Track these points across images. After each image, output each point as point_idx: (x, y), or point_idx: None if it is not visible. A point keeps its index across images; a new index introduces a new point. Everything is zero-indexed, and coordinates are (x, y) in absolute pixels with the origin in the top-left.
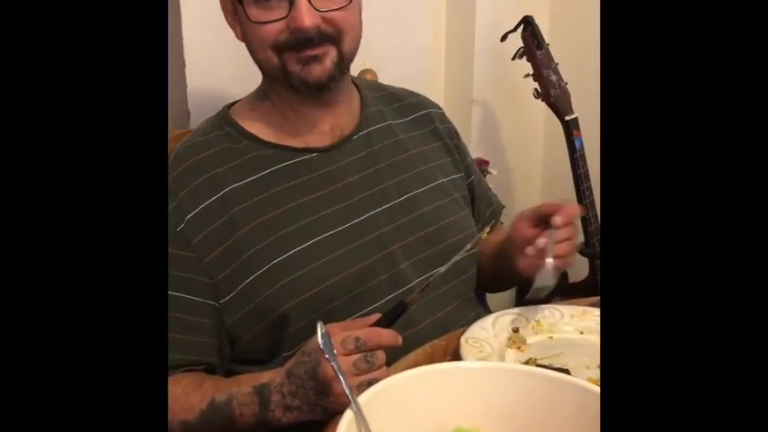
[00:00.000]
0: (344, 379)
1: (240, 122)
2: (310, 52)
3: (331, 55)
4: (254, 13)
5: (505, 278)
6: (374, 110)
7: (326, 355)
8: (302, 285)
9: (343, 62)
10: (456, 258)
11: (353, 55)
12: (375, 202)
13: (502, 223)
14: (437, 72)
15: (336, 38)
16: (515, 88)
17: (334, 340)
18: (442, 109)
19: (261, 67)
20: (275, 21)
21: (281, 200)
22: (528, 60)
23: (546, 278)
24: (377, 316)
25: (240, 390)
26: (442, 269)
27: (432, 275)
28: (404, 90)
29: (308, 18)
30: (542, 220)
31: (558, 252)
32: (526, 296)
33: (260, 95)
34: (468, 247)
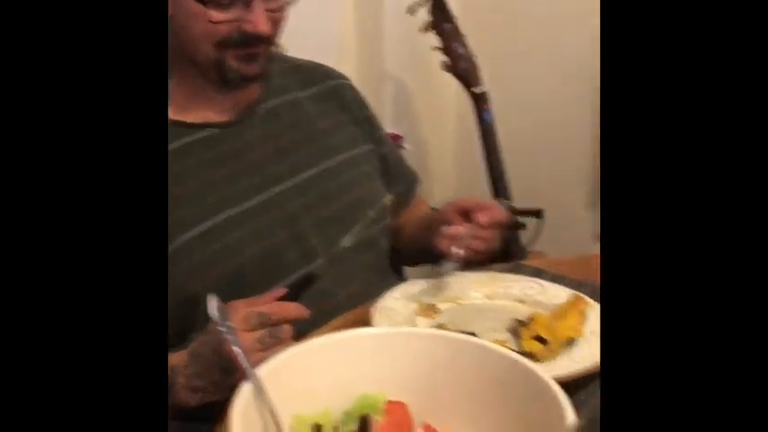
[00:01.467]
0: (240, 350)
1: None
2: (252, 50)
3: (265, 51)
4: (208, 10)
5: (426, 253)
6: (278, 82)
7: (219, 327)
8: (209, 265)
9: (270, 54)
10: (359, 227)
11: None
12: (283, 178)
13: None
14: (348, 46)
15: (271, 37)
16: (427, 61)
17: (237, 317)
18: (349, 80)
19: (189, 57)
20: (230, 21)
21: (182, 178)
22: (436, 33)
23: (449, 265)
24: (282, 290)
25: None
26: (347, 240)
27: (337, 246)
28: (310, 62)
29: (263, 24)
30: (469, 212)
31: (471, 246)
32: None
33: None
34: (372, 214)
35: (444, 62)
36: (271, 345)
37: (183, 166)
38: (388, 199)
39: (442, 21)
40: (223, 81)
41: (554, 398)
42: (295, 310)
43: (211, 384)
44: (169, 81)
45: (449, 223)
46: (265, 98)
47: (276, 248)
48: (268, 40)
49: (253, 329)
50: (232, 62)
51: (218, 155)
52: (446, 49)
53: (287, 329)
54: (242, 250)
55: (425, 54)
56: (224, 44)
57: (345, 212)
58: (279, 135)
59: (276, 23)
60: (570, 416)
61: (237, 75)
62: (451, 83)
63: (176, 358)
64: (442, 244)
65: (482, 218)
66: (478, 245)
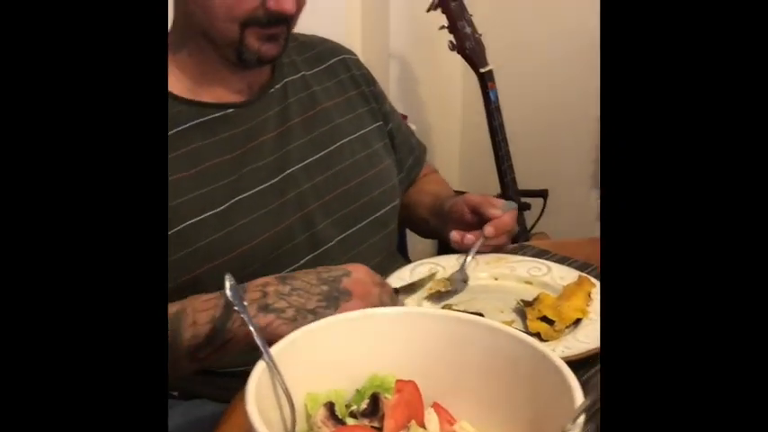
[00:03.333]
0: (255, 330)
1: None
2: (273, 31)
3: (284, 34)
4: None
5: (435, 233)
6: (287, 61)
7: (236, 308)
8: (217, 250)
9: (289, 38)
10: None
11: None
12: (291, 160)
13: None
14: (353, 27)
15: (293, 18)
16: (432, 41)
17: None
18: (355, 55)
19: (207, 33)
20: None
21: (195, 159)
22: (443, 12)
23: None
24: None
25: (198, 298)
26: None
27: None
28: (314, 37)
29: (290, 3)
30: (479, 213)
31: (482, 251)
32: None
33: (171, 45)
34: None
35: (451, 41)
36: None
37: (197, 146)
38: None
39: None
40: (239, 60)
41: (564, 378)
42: None
43: (298, 312)
44: (184, 58)
45: (460, 220)
46: (277, 78)
47: (284, 234)
48: (290, 20)
49: None
50: (253, 42)
51: (231, 135)
52: (452, 28)
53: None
54: (250, 237)
55: (431, 34)
56: (247, 22)
57: (354, 195)
58: (289, 116)
59: (300, 4)
60: (579, 396)
61: (256, 55)
62: (457, 62)
63: (254, 282)
64: (455, 241)
65: (490, 231)
66: (488, 249)
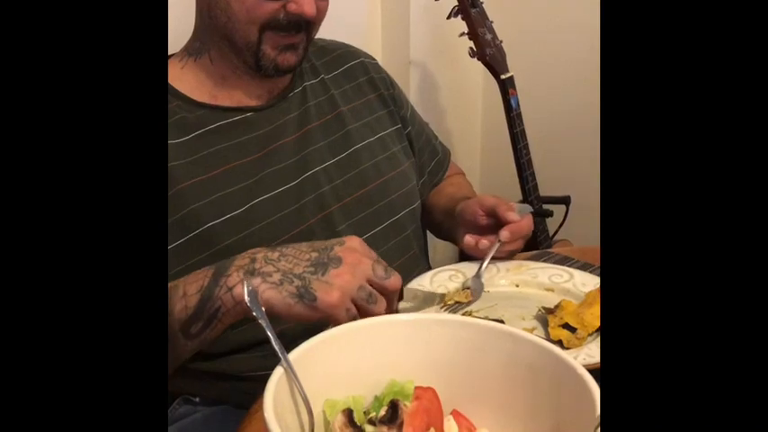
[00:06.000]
0: (273, 336)
1: (170, 81)
2: (291, 40)
3: (303, 43)
4: None
5: (449, 236)
6: (307, 65)
7: (254, 312)
8: (237, 252)
9: (308, 47)
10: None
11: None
12: (311, 162)
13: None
14: (374, 34)
15: (313, 26)
16: (453, 48)
17: (367, 264)
18: (375, 59)
19: (228, 35)
20: (277, 1)
21: (216, 161)
22: (463, 19)
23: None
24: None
25: (195, 274)
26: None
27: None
28: (334, 42)
29: (310, 5)
30: (495, 216)
31: (496, 256)
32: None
33: (194, 50)
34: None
35: (471, 48)
36: (360, 299)
37: (217, 149)
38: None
39: (468, 5)
40: (257, 67)
41: (586, 386)
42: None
43: (285, 277)
44: (206, 63)
45: (472, 223)
46: (296, 80)
47: (304, 235)
48: (310, 28)
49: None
50: (269, 51)
51: (251, 138)
52: (473, 35)
53: (381, 305)
54: (271, 238)
55: (450, 40)
56: (267, 26)
57: (373, 197)
58: (308, 119)
59: (321, 12)
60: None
61: (272, 63)
62: (478, 69)
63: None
64: (468, 245)
65: (506, 236)
66: (503, 254)
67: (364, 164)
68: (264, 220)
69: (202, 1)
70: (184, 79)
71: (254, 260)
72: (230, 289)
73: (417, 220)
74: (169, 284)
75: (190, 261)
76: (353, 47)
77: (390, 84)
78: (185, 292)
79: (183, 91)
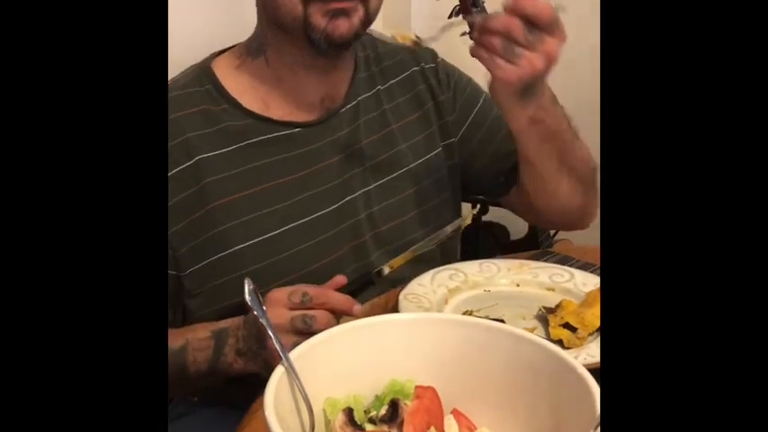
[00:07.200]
0: (274, 334)
1: (223, 81)
2: (340, 4)
3: (359, 12)
4: None
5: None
6: (365, 75)
7: (255, 312)
8: (269, 275)
9: (368, 22)
10: (433, 241)
11: (376, 16)
12: (354, 187)
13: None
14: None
15: None
16: (454, 48)
17: (283, 292)
18: (434, 63)
19: (275, 16)
20: None
21: (257, 177)
22: (464, 18)
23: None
24: (342, 279)
25: (196, 335)
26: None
27: (416, 248)
28: (391, 46)
29: None
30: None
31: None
32: None
33: (252, 50)
34: (449, 230)
35: (473, 47)
36: (300, 330)
37: (260, 164)
38: (455, 222)
39: (469, 5)
40: (311, 45)
41: (586, 386)
42: (341, 300)
43: (250, 352)
44: (261, 65)
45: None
46: (351, 93)
47: (337, 264)
48: None
49: (293, 307)
50: (319, 20)
51: (293, 157)
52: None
53: (322, 318)
54: (303, 264)
55: (453, 41)
56: None
57: (406, 229)
58: (357, 138)
59: None
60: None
61: (323, 36)
62: (480, 69)
63: (231, 321)
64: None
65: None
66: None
67: (406, 191)
68: (296, 247)
69: None
70: (238, 80)
71: (237, 339)
72: (231, 364)
73: (455, 251)
74: (177, 342)
75: (215, 282)
76: (409, 52)
77: (446, 86)
78: (195, 359)
79: (233, 93)
